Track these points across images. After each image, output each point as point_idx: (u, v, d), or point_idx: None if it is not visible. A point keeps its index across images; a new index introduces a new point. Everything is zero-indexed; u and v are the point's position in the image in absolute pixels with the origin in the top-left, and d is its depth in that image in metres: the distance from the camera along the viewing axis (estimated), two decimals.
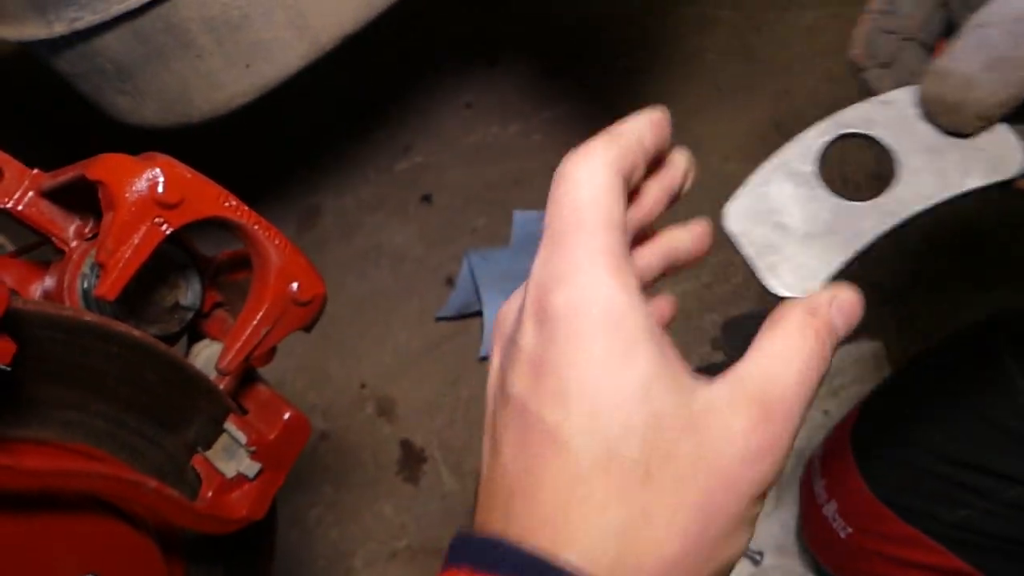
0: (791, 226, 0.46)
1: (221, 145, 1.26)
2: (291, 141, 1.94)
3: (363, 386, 1.57)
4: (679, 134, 0.50)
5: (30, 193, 0.73)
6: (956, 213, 1.42)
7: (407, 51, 1.98)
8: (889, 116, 0.50)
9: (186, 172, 0.66)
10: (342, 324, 1.67)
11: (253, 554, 0.83)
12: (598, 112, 1.86)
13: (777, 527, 1.25)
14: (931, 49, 0.59)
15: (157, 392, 0.70)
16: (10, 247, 0.86)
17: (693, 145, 0.52)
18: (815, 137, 0.49)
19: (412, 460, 1.47)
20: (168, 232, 0.66)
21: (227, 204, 0.68)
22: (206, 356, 0.81)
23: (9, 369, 0.56)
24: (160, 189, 0.64)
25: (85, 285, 0.73)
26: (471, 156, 1.86)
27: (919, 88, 0.49)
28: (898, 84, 0.53)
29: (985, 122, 0.46)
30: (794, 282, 0.44)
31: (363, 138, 1.95)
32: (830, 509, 1.10)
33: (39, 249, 0.85)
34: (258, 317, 0.71)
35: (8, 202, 0.72)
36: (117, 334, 0.66)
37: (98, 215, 0.76)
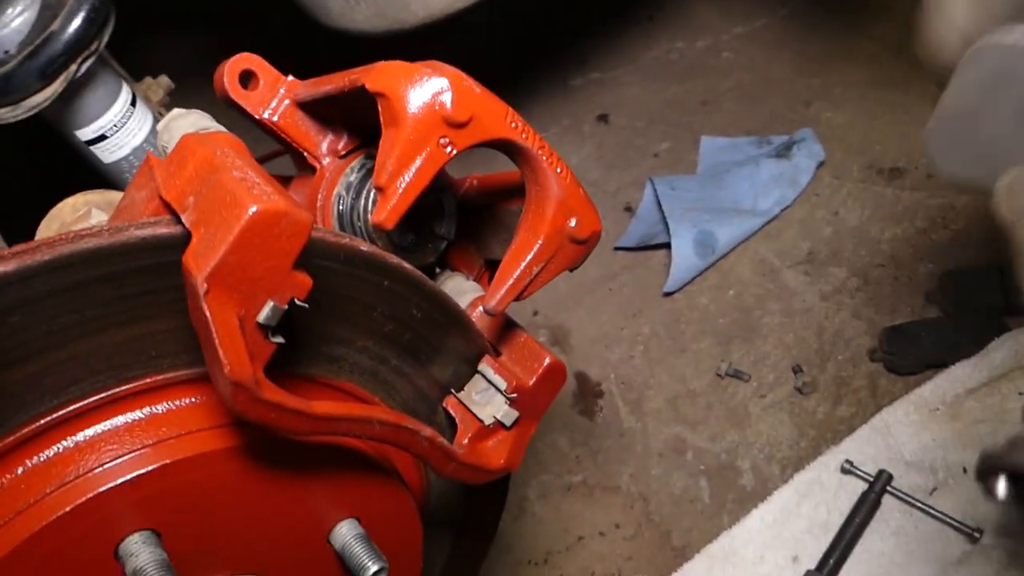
0: None
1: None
2: (457, 49, 1.85)
3: (535, 313, 1.51)
4: None
5: (285, 103, 0.67)
6: None
7: None
8: None
9: (475, 86, 0.58)
10: None
11: (484, 512, 0.79)
12: (797, 29, 1.69)
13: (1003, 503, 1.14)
14: None
15: (419, 329, 0.64)
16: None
17: None
18: None
19: (588, 394, 1.41)
20: (453, 154, 0.58)
21: (514, 125, 0.60)
22: (449, 289, 0.75)
23: (307, 306, 0.50)
24: (448, 105, 0.57)
25: (340, 207, 0.68)
26: (652, 73, 1.73)
27: None
28: None
29: None
30: None
31: (535, 49, 1.84)
32: None
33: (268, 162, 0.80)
34: (532, 253, 0.63)
35: (264, 112, 0.66)
36: (391, 267, 0.60)
37: (352, 130, 0.69)
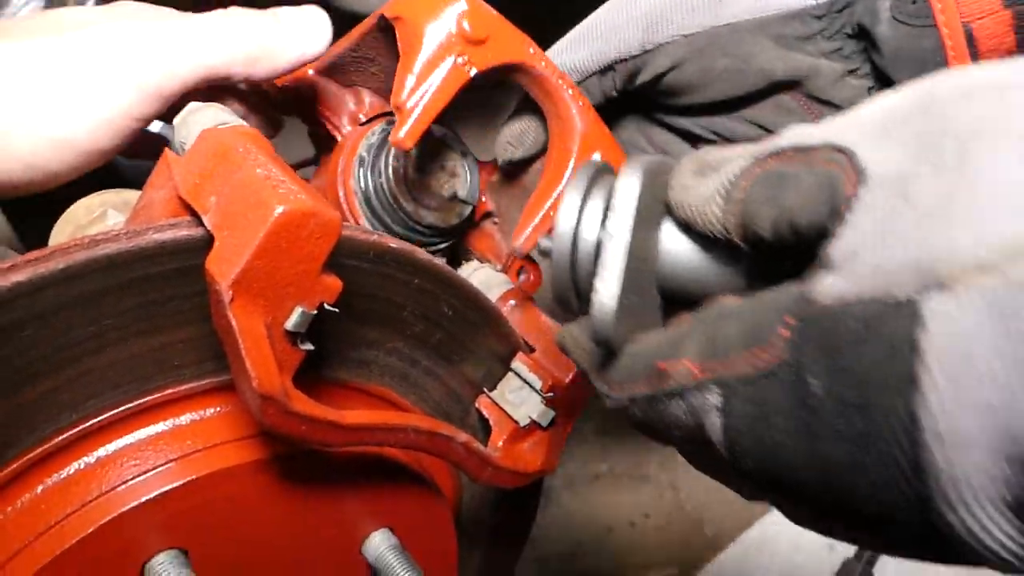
0: None
1: None
2: None
3: None
4: None
5: (309, 71, 0.65)
6: None
7: None
8: None
9: (492, 10, 0.58)
10: None
11: (516, 518, 0.76)
12: None
13: None
14: None
15: (450, 328, 0.61)
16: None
17: None
18: None
19: None
20: (472, 75, 0.56)
21: (532, 51, 0.59)
22: (477, 282, 0.71)
23: (337, 310, 0.47)
24: (466, 24, 0.56)
25: (362, 170, 0.65)
26: None
27: None
28: None
29: None
30: None
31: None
32: None
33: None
34: (560, 186, 0.61)
35: (287, 80, 0.65)
36: (421, 263, 0.57)
37: (372, 97, 0.68)
